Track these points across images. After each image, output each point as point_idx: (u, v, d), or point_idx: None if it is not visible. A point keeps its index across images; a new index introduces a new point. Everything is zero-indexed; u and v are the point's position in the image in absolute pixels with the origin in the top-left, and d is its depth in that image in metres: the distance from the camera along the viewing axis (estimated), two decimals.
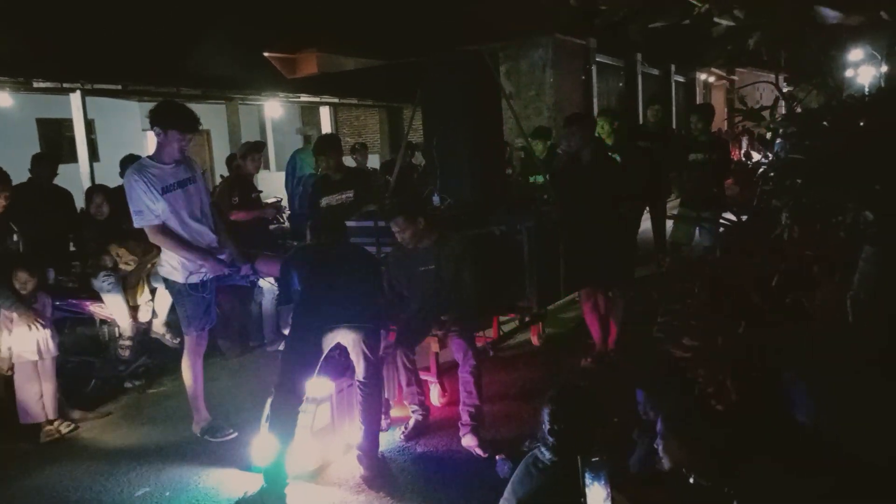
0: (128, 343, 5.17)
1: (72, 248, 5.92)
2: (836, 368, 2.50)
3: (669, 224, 6.78)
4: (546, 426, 2.51)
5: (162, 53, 9.83)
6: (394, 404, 4.37)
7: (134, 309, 5.22)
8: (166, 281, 4.14)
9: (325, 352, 3.70)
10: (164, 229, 3.90)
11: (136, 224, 3.89)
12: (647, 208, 6.85)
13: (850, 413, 2.35)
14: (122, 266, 5.20)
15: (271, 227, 7.27)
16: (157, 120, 3.84)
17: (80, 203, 6.09)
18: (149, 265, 5.22)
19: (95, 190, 5.73)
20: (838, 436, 2.32)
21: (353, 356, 3.73)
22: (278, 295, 4.39)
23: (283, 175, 9.35)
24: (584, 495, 2.27)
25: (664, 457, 2.38)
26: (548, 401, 2.59)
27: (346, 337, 3.70)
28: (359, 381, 3.72)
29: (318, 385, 3.79)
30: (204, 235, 4.06)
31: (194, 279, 4.03)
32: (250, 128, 14.98)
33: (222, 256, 4.13)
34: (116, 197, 5.26)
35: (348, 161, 6.97)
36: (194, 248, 3.98)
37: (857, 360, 2.49)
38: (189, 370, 4.19)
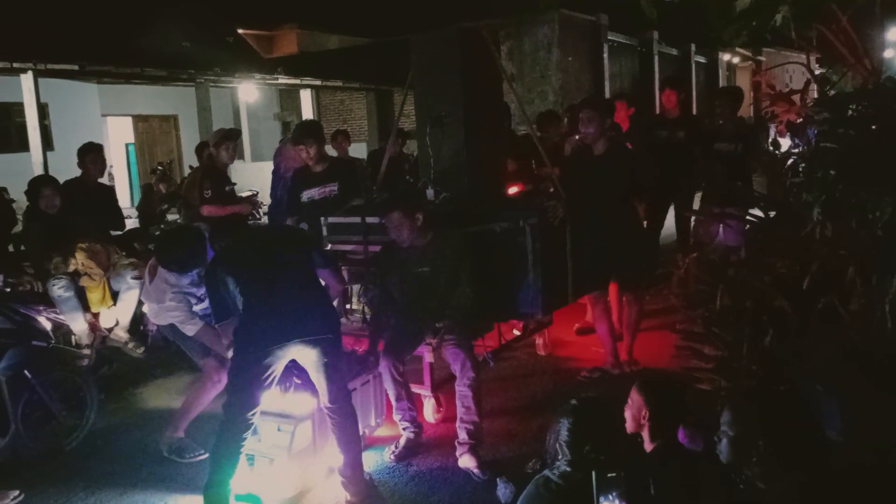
0: (85, 352, 5.16)
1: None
2: (871, 382, 2.52)
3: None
4: (565, 440, 2.54)
5: (123, 29, 9.81)
6: (382, 421, 4.38)
7: (94, 315, 5.22)
8: (178, 331, 4.20)
9: (279, 373, 3.56)
10: None
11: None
12: (673, 205, 6.87)
13: (885, 431, 2.37)
14: (84, 277, 5.15)
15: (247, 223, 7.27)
16: None
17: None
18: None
19: (44, 181, 5.68)
20: (871, 455, 2.34)
21: (313, 378, 3.58)
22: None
23: (259, 166, 9.40)
24: None
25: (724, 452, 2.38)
26: (566, 414, 2.63)
27: (300, 355, 3.52)
28: (326, 407, 3.61)
29: (297, 401, 3.79)
30: None
31: (200, 307, 4.14)
32: (222, 113, 14.94)
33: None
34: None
35: (329, 150, 6.98)
36: None
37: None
38: (198, 395, 4.25)
